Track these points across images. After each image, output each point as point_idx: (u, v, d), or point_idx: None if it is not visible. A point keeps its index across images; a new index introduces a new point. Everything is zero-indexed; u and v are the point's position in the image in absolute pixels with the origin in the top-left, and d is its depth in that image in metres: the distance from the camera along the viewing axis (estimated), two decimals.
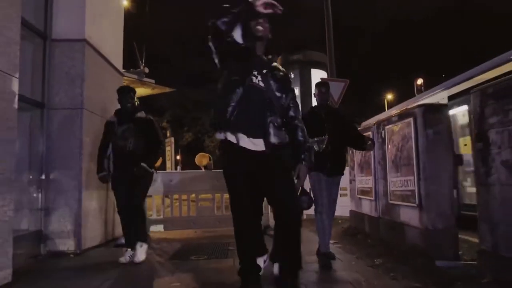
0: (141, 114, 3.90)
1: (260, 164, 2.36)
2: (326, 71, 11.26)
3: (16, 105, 3.09)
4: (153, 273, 3.29)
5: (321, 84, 3.72)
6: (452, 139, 3.50)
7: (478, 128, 2.80)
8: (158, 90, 8.69)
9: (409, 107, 4.01)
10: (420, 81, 19.56)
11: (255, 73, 2.42)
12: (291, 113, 2.50)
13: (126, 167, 3.69)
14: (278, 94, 2.45)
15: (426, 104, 3.80)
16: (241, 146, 2.35)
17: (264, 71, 2.45)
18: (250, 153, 2.35)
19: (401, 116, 3.99)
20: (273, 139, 2.34)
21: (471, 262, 3.16)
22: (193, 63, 32.04)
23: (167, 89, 9.15)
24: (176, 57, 31.84)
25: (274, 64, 2.57)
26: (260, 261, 2.56)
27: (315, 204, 3.39)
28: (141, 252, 3.71)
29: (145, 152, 3.76)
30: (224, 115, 2.34)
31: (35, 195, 4.10)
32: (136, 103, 3.96)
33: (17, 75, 3.08)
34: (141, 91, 8.58)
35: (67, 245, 4.07)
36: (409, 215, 3.78)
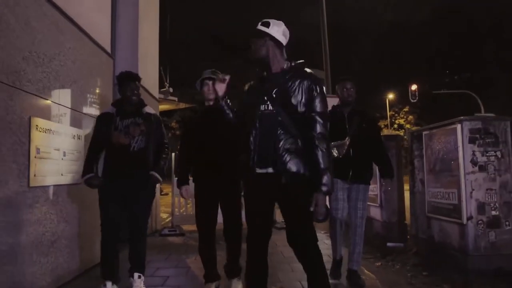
0: (149, 110, 3.13)
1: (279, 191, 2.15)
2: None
3: None
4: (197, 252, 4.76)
5: (346, 80, 3.27)
6: (402, 160, 5.03)
7: (410, 156, 4.33)
8: (180, 105, 10.20)
9: None
10: (414, 87, 21.08)
11: (265, 99, 2.15)
12: (315, 130, 2.09)
13: (123, 173, 2.90)
14: (297, 107, 2.11)
15: (385, 135, 5.34)
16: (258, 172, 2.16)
17: (274, 92, 2.15)
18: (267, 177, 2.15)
19: None
20: (291, 167, 2.07)
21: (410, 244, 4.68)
22: (197, 64, 33.44)
23: (188, 105, 10.64)
24: (179, 57, 33.18)
25: (290, 75, 2.17)
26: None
27: (330, 212, 3.11)
28: (140, 282, 3.07)
29: (151, 157, 3.03)
30: (248, 146, 2.18)
31: None
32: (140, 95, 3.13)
33: None
34: (166, 106, 10.10)
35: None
36: (374, 212, 5.33)
